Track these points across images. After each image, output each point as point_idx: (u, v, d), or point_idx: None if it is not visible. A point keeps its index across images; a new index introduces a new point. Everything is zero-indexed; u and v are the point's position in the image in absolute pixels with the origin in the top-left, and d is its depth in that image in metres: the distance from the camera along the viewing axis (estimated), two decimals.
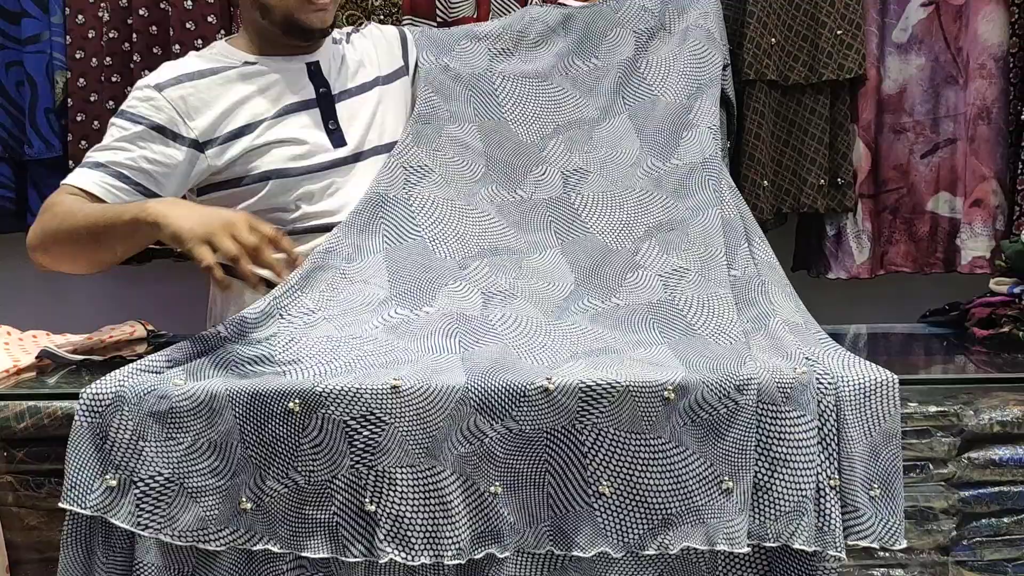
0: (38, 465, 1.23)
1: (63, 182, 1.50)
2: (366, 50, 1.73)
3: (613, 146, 1.68)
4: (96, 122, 2.01)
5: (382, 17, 1.97)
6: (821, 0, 1.96)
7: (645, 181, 1.62)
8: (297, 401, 1.14)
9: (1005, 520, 1.31)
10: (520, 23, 1.82)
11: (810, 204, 1.99)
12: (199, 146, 1.55)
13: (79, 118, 2.01)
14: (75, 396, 1.23)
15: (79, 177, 1.49)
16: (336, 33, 1.73)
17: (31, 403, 1.22)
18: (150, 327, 1.68)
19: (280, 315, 1.34)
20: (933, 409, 1.29)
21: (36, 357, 1.41)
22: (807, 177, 1.98)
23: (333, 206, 1.58)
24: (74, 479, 1.14)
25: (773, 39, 1.95)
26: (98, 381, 1.18)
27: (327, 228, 1.56)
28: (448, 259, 1.47)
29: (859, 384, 1.20)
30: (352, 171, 1.62)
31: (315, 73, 1.65)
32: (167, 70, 1.60)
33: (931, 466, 1.30)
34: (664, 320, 1.38)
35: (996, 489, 1.31)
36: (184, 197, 1.58)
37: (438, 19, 1.94)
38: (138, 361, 1.23)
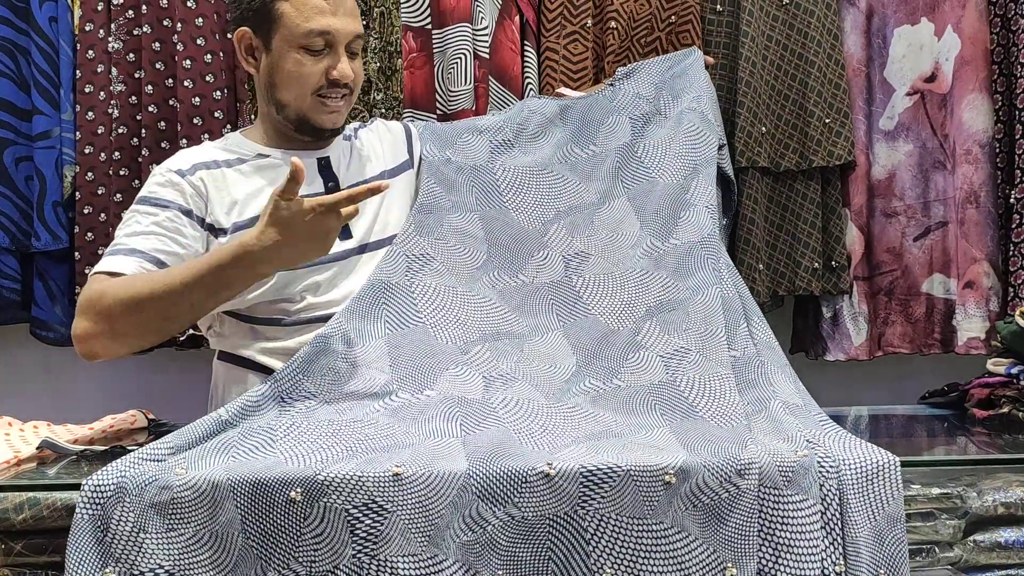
0: (36, 557, 1.21)
1: (96, 271, 1.49)
2: (373, 145, 1.77)
3: (614, 229, 1.70)
4: (103, 215, 2.05)
5: (383, 110, 2.03)
6: (808, 90, 2.02)
7: (645, 261, 1.64)
8: (299, 490, 1.14)
9: None
10: (519, 116, 1.86)
11: (805, 287, 2.02)
12: (213, 232, 1.58)
13: (86, 211, 2.05)
14: (75, 487, 1.22)
15: (115, 263, 1.48)
16: (346, 129, 1.78)
17: (31, 494, 1.21)
18: (151, 416, 1.68)
19: (281, 399, 1.34)
20: (936, 491, 1.28)
21: (36, 448, 1.41)
22: (802, 260, 2.01)
23: (337, 296, 1.60)
24: (74, 572, 1.13)
25: (764, 128, 2.01)
26: (100, 471, 1.17)
27: (329, 318, 1.57)
28: (449, 344, 1.48)
29: (861, 466, 1.20)
30: (357, 263, 1.64)
31: (325, 167, 1.68)
32: (185, 157, 1.63)
33: (937, 550, 1.28)
34: (665, 402, 1.38)
35: (1003, 573, 1.29)
36: None
37: (438, 112, 1.99)
38: (140, 450, 1.23)
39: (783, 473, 1.18)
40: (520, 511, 1.15)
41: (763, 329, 1.53)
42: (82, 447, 1.44)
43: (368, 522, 1.13)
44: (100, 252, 2.04)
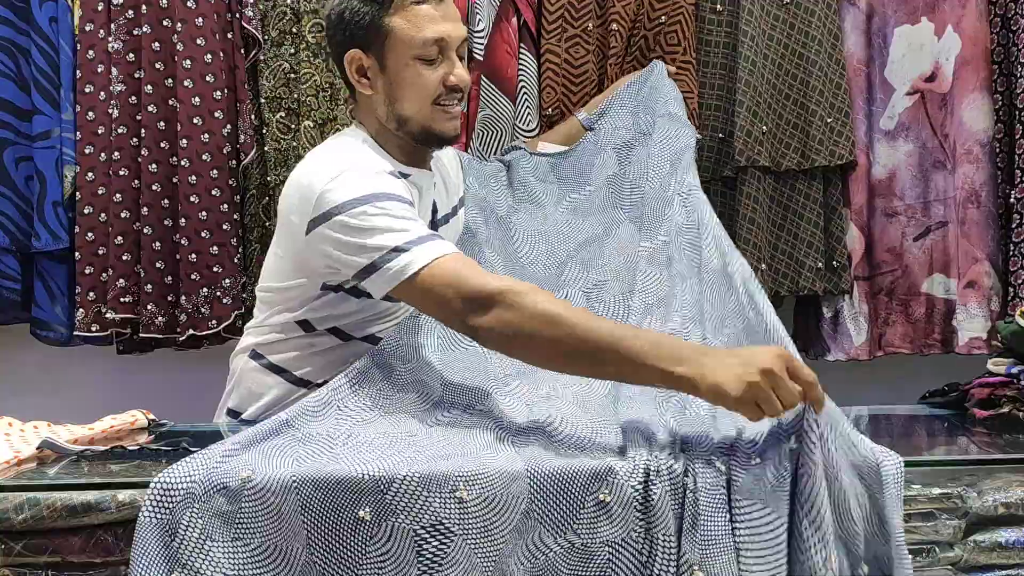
0: (36, 557, 1.21)
1: (430, 259, 1.35)
2: (448, 174, 1.76)
3: (623, 251, 1.72)
4: (103, 215, 2.05)
5: None
6: (810, 90, 2.02)
7: (642, 263, 1.66)
8: (368, 509, 1.14)
9: None
10: (520, 166, 1.86)
11: (807, 287, 2.02)
12: None
13: (87, 211, 2.05)
14: (75, 487, 1.23)
15: (441, 248, 1.37)
16: None
17: (31, 495, 1.21)
18: (151, 416, 1.68)
19: (338, 407, 1.35)
20: (936, 491, 1.28)
21: (37, 448, 1.41)
22: (804, 260, 2.01)
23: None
24: (141, 575, 1.13)
25: (765, 127, 2.01)
26: (167, 473, 1.17)
27: None
28: (495, 369, 1.49)
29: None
30: None
31: (434, 188, 1.68)
32: (374, 160, 1.53)
33: (937, 550, 1.28)
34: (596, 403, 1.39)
35: (1004, 573, 1.29)
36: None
37: None
38: (206, 450, 1.22)
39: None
40: (580, 538, 1.16)
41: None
42: (82, 447, 1.44)
43: (435, 544, 1.14)
44: (100, 253, 2.05)
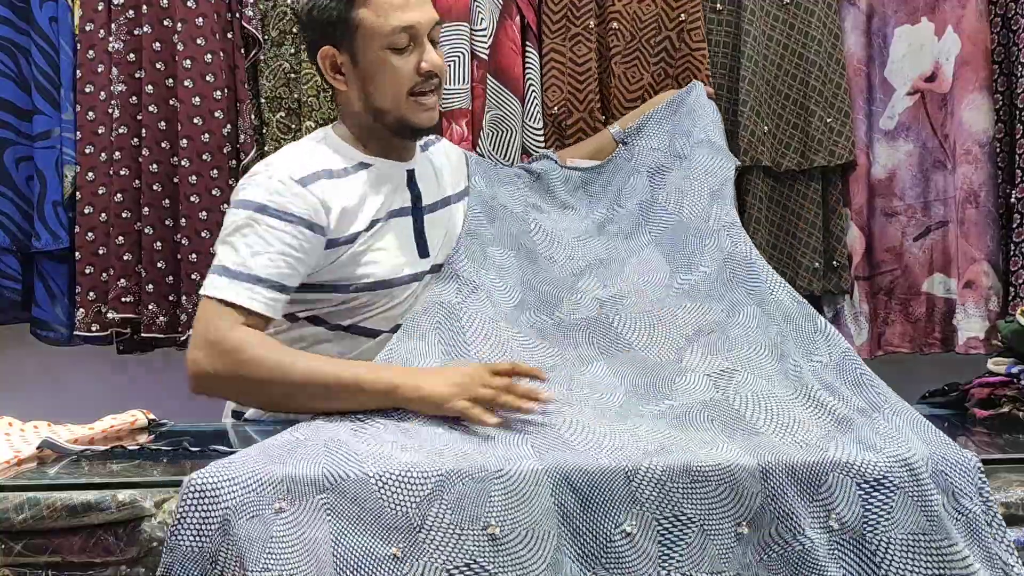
0: (36, 557, 1.21)
1: (220, 296, 1.44)
2: (443, 166, 1.76)
3: (644, 273, 1.71)
4: (104, 215, 2.05)
5: None
6: (809, 90, 2.02)
7: (678, 297, 1.64)
8: (400, 547, 1.13)
9: None
10: (546, 181, 1.86)
11: (806, 287, 2.02)
12: (328, 244, 1.54)
13: (87, 211, 2.05)
14: (75, 487, 1.23)
15: (240, 294, 1.44)
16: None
17: (31, 495, 1.21)
18: (151, 416, 1.68)
19: (349, 419, 1.35)
20: None
21: (37, 448, 1.41)
22: (802, 260, 2.01)
23: (400, 314, 1.62)
24: None
25: (765, 127, 2.01)
26: (200, 499, 1.13)
27: (379, 333, 1.61)
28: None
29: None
30: (424, 282, 1.64)
31: (412, 181, 1.67)
32: (302, 163, 1.55)
33: None
34: (723, 418, 1.36)
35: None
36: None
37: None
38: (235, 465, 1.17)
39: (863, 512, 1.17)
40: (610, 573, 1.15)
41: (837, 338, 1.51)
42: (82, 447, 1.44)
43: None
44: (101, 253, 2.05)
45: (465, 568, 1.12)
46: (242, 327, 1.43)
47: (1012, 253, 2.00)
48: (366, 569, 1.13)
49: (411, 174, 1.67)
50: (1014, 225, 2.00)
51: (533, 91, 2.02)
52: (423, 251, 1.64)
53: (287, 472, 1.16)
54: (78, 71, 2.05)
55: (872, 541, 1.16)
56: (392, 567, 1.13)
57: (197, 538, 1.12)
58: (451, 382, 1.35)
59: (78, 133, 2.05)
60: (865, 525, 1.17)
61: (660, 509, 1.16)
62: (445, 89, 1.97)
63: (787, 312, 1.56)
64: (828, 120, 2.01)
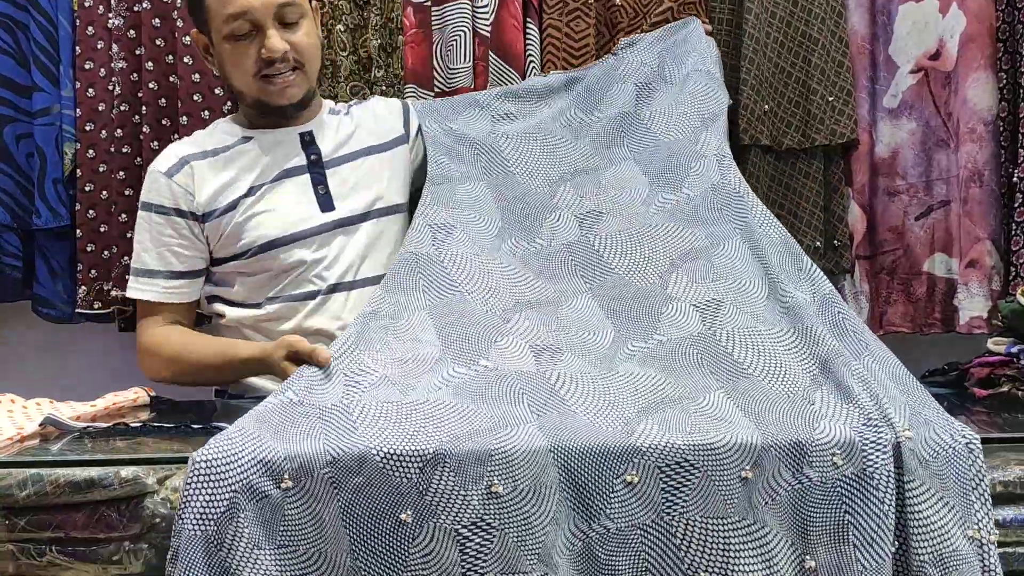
0: (39, 533, 1.22)
1: (131, 294, 1.70)
2: (364, 120, 1.78)
3: (621, 188, 1.70)
4: (104, 192, 2.05)
5: (384, 87, 2.02)
6: (812, 68, 2.01)
7: (659, 216, 1.64)
8: (409, 512, 1.14)
9: None
10: (520, 89, 1.89)
11: None
12: (200, 219, 1.65)
13: (88, 188, 2.05)
14: (78, 464, 1.23)
15: (141, 290, 1.67)
16: (337, 105, 1.80)
17: (34, 471, 1.22)
18: (153, 393, 1.69)
19: (343, 375, 1.33)
20: None
21: (40, 425, 1.41)
22: (803, 240, 2.00)
23: (325, 270, 1.63)
24: None
25: (766, 106, 2.00)
26: (205, 485, 1.13)
27: (317, 294, 1.63)
28: (490, 313, 1.48)
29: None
30: (343, 234, 1.65)
31: (308, 142, 1.70)
32: (174, 151, 1.70)
33: None
34: (711, 358, 1.38)
35: (1000, 551, 1.29)
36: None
37: (436, 89, 1.98)
38: (232, 452, 1.15)
39: (861, 456, 1.18)
40: (613, 523, 1.16)
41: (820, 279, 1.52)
42: (85, 424, 1.44)
43: (477, 541, 1.13)
44: (102, 230, 2.05)
45: (472, 527, 1.13)
46: (150, 329, 1.67)
47: (1014, 232, 1.99)
48: (378, 538, 1.14)
49: (307, 136, 1.70)
50: (1016, 204, 1.99)
51: (533, 67, 2.00)
52: (326, 205, 1.67)
53: (289, 450, 1.16)
54: (77, 47, 2.04)
55: (874, 476, 1.18)
56: (404, 532, 1.14)
57: (202, 522, 1.12)
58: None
59: (78, 110, 2.05)
60: (866, 460, 1.18)
61: (662, 457, 1.16)
62: (449, 68, 1.97)
63: (775, 247, 1.56)
64: (830, 99, 2.00)
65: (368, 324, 1.43)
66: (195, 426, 1.42)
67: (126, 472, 1.21)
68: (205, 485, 1.13)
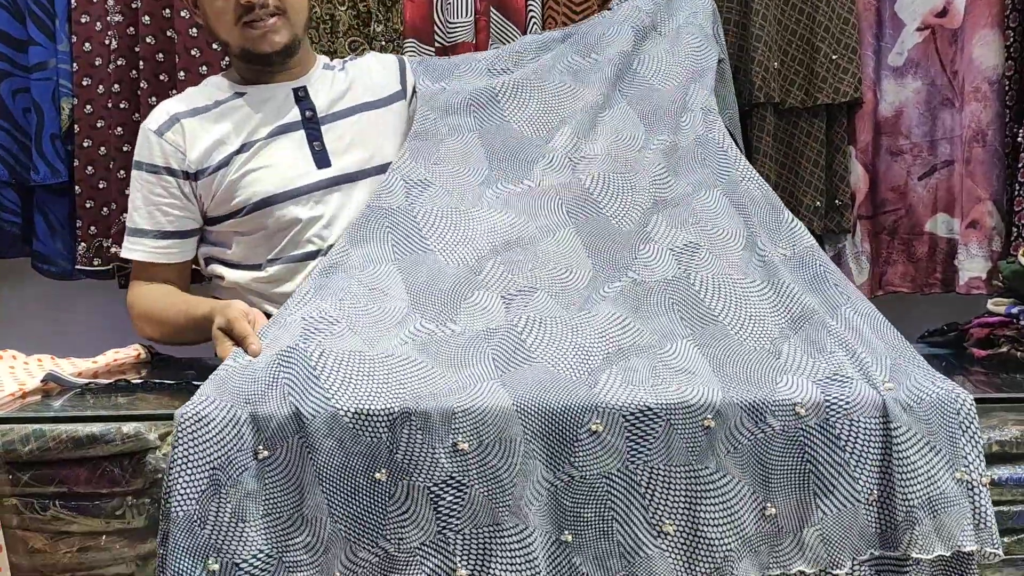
0: (43, 488, 1.23)
1: (124, 255, 1.69)
2: (359, 76, 1.76)
3: (617, 132, 1.70)
4: (103, 148, 2.03)
5: (384, 42, 1.99)
6: (816, 25, 1.98)
7: (653, 156, 1.64)
8: (384, 471, 1.16)
9: (1006, 540, 1.31)
10: (519, 44, 1.88)
11: (808, 225, 1.99)
12: (192, 176, 1.64)
13: (85, 144, 2.03)
14: (80, 420, 1.24)
15: (131, 249, 1.67)
16: (332, 61, 1.78)
17: (36, 427, 1.23)
18: (154, 350, 1.69)
19: (304, 317, 1.32)
20: None
21: (41, 381, 1.42)
22: (804, 199, 2.00)
23: (324, 229, 1.62)
24: (176, 567, 1.13)
25: (776, 63, 1.98)
26: (183, 467, 1.14)
27: (317, 254, 1.61)
28: (461, 267, 1.47)
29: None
30: (340, 192, 1.64)
31: (302, 98, 1.69)
32: (165, 109, 1.68)
33: None
34: (682, 302, 1.39)
35: (997, 509, 1.31)
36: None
37: (436, 44, 1.96)
38: (206, 431, 1.16)
39: (826, 407, 1.20)
40: (578, 471, 1.17)
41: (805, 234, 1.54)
42: (86, 380, 1.45)
43: (448, 498, 1.15)
44: (101, 186, 2.04)
45: (443, 484, 1.15)
46: (134, 289, 1.68)
47: (1016, 193, 1.98)
48: (356, 497, 1.16)
49: (300, 91, 1.69)
50: (1020, 165, 1.98)
51: (535, 23, 1.98)
52: (322, 162, 1.66)
53: (258, 411, 1.17)
54: (73, 1, 2.01)
55: (836, 425, 1.20)
56: (380, 491, 1.16)
57: (184, 502, 1.14)
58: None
59: (75, 65, 2.02)
60: (829, 410, 1.20)
61: (626, 406, 1.18)
62: (449, 23, 1.95)
63: (755, 201, 1.58)
64: (834, 57, 1.98)
65: (331, 272, 1.43)
66: (196, 383, 1.42)
67: (128, 428, 1.22)
68: (184, 467, 1.14)
